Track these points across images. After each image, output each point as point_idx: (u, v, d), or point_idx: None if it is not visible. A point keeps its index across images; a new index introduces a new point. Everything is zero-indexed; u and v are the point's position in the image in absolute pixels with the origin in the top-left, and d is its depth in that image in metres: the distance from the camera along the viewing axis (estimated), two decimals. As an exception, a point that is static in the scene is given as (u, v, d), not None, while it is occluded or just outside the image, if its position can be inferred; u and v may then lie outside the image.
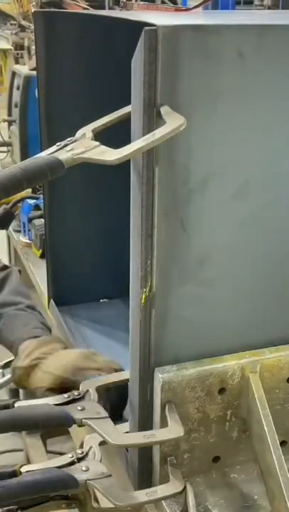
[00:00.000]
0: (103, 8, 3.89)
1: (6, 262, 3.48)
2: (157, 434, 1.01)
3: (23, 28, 7.28)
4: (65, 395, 1.10)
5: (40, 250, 2.10)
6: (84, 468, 1.00)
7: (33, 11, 6.59)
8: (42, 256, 2.07)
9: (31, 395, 1.29)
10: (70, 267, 1.71)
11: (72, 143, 1.01)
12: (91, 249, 1.71)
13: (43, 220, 2.05)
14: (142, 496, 0.98)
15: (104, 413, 1.04)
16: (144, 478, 1.11)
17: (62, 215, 1.65)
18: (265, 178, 1.03)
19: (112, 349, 1.51)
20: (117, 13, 1.25)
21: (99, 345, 1.53)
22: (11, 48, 7.46)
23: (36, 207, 2.31)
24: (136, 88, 0.93)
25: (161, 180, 0.95)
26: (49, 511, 1.00)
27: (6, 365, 2.32)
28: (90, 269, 1.72)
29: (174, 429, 1.00)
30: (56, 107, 1.55)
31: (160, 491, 1.00)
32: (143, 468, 1.10)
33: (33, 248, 2.14)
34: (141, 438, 1.00)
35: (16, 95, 3.41)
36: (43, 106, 1.55)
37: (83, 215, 1.68)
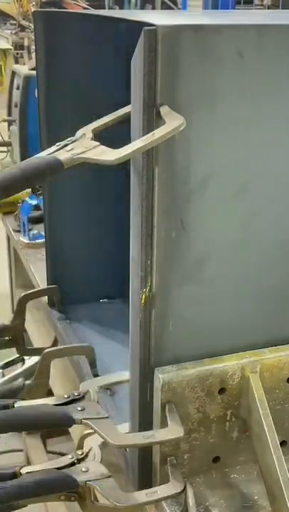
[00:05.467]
0: (103, 7, 3.89)
1: (5, 261, 3.48)
2: (157, 435, 1.01)
3: (23, 28, 7.30)
4: (65, 395, 1.10)
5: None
6: (84, 469, 1.00)
7: (32, 10, 6.59)
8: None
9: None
10: (70, 267, 1.71)
11: (72, 143, 1.01)
12: (91, 250, 1.70)
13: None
14: (142, 496, 0.98)
15: (105, 413, 1.04)
16: (144, 478, 1.10)
17: (62, 215, 1.65)
18: (265, 178, 1.03)
19: (112, 349, 1.51)
20: (117, 13, 1.25)
21: (99, 345, 1.53)
22: (11, 47, 7.47)
23: (36, 207, 2.30)
24: (136, 88, 0.93)
25: (161, 180, 0.95)
26: (48, 502, 1.00)
27: (6, 365, 2.33)
28: (90, 270, 1.72)
29: (173, 430, 1.00)
30: (56, 107, 1.55)
31: (160, 491, 1.00)
32: (143, 468, 1.10)
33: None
34: (141, 438, 1.00)
35: (16, 95, 3.41)
36: (42, 106, 1.55)
37: (83, 216, 1.67)
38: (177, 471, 1.04)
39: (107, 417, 1.03)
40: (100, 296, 1.77)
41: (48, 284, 1.73)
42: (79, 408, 1.04)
